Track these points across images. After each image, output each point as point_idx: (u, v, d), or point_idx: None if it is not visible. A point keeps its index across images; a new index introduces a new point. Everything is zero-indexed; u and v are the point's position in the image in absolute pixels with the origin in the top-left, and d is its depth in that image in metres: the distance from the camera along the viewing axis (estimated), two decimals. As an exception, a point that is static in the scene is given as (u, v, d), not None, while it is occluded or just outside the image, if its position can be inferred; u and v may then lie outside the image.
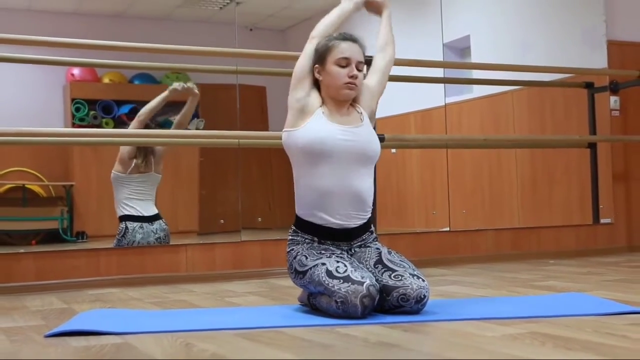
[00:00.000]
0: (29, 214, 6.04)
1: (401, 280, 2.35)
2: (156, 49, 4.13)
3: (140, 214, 4.38)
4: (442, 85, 5.57)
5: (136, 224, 4.34)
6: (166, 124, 5.18)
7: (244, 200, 5.39)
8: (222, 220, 5.98)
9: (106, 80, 6.94)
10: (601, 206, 4.95)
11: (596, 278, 3.39)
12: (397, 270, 2.39)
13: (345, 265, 2.33)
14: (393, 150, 6.05)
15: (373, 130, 2.61)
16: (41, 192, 6.31)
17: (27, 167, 6.35)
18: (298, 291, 2.61)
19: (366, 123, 2.59)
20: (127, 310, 2.72)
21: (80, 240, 5.98)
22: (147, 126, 4.44)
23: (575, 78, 5.13)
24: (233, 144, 4.50)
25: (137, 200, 4.41)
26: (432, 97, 5.72)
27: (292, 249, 2.52)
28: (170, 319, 2.47)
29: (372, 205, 2.59)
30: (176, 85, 4.46)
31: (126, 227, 4.33)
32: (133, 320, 2.37)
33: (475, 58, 5.86)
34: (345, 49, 2.54)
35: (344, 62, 2.52)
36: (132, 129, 4.41)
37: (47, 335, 2.14)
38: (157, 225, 4.42)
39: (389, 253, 2.49)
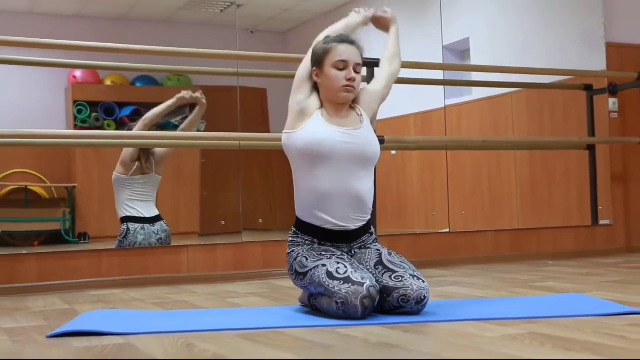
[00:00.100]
0: (31, 215, 6.04)
1: (401, 281, 2.35)
2: (158, 51, 4.14)
3: (142, 216, 4.38)
4: (442, 87, 5.58)
5: (138, 225, 4.35)
6: (167, 126, 5.19)
7: (245, 201, 5.41)
8: (223, 222, 5.98)
9: (108, 82, 6.93)
10: (600, 207, 4.96)
11: (595, 279, 3.39)
12: (397, 272, 2.39)
13: (346, 267, 2.33)
14: (393, 152, 6.06)
15: (373, 132, 2.59)
16: (43, 194, 6.32)
17: (29, 168, 6.35)
18: (299, 292, 2.62)
19: (366, 125, 2.57)
20: (129, 311, 2.74)
21: (83, 242, 5.98)
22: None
23: (574, 80, 5.14)
24: (234, 145, 4.51)
25: (138, 201, 4.42)
26: (431, 99, 5.73)
27: (293, 251, 2.52)
28: (171, 319, 2.48)
29: (372, 207, 2.59)
30: (184, 93, 4.44)
31: (128, 229, 4.34)
32: (135, 321, 2.38)
33: (474, 60, 5.87)
34: (342, 51, 2.52)
35: (342, 65, 2.51)
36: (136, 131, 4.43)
37: (50, 335, 2.15)
38: (158, 226, 4.42)
39: (389, 254, 2.49)
